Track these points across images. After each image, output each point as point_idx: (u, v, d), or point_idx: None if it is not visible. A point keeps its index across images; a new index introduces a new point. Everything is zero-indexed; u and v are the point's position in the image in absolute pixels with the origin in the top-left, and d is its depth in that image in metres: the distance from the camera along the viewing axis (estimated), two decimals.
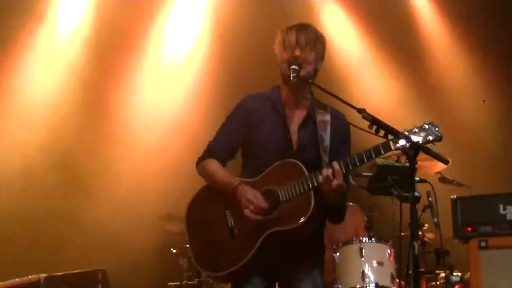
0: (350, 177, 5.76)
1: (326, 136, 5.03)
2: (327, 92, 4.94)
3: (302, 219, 4.75)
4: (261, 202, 4.86)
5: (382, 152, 4.72)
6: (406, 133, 4.71)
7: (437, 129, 4.73)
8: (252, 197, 4.87)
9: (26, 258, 9.40)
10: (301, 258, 4.98)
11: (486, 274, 6.76)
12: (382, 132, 4.66)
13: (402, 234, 7.35)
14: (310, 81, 4.99)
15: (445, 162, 4.92)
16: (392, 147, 4.67)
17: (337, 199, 4.88)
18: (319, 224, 5.05)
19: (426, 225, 7.88)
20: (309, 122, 5.05)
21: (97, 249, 9.49)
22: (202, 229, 5.14)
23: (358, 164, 4.75)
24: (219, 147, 5.16)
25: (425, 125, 4.74)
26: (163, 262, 8.69)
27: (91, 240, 9.67)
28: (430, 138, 4.70)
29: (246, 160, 5.17)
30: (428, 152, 4.58)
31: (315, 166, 4.83)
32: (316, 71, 5.03)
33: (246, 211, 4.85)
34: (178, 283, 8.25)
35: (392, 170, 6.19)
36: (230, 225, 4.95)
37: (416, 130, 4.72)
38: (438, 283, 7.99)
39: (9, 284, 7.03)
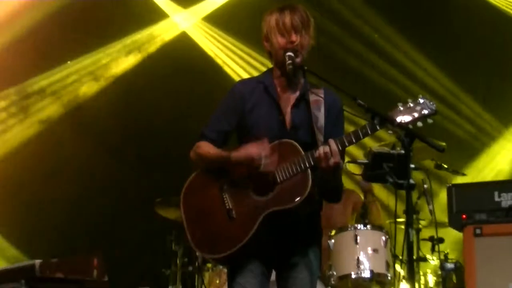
0: (347, 164, 5.82)
1: (320, 116, 5.04)
2: (320, 78, 4.98)
3: (300, 197, 4.75)
4: (265, 149, 4.82)
5: (378, 128, 4.70)
6: (401, 108, 4.74)
7: (431, 103, 4.76)
8: (254, 150, 4.84)
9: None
10: (297, 241, 4.96)
11: (481, 261, 6.74)
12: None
13: (397, 221, 7.20)
14: (306, 67, 5.00)
15: (440, 149, 4.82)
16: (386, 126, 4.67)
17: (334, 177, 4.91)
18: (317, 205, 5.05)
19: (421, 212, 7.92)
20: (302, 102, 5.07)
21: (92, 235, 9.58)
22: (199, 213, 5.13)
23: (354, 141, 4.74)
24: (211, 132, 5.15)
25: (420, 99, 4.74)
26: (158, 249, 8.57)
27: (86, 226, 9.77)
28: (426, 112, 4.73)
29: (242, 142, 5.12)
30: (422, 139, 4.58)
31: (309, 146, 4.84)
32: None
33: (262, 160, 4.79)
34: (174, 268, 8.19)
35: (387, 157, 6.13)
36: (227, 207, 4.92)
37: (411, 105, 4.74)
38: (432, 270, 8.04)
39: (5, 269, 6.76)
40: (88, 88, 10.93)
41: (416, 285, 6.51)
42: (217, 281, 7.55)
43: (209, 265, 7.67)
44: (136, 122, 11.06)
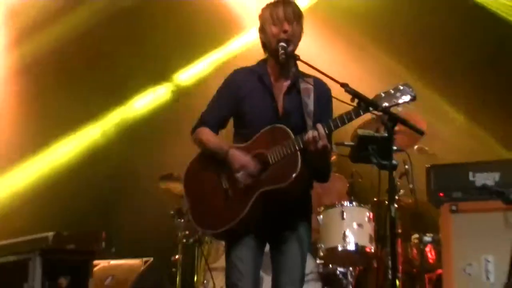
0: (334, 146, 6.09)
1: (310, 102, 5.11)
2: (311, 66, 4.97)
3: (291, 177, 4.82)
4: (251, 166, 4.95)
5: (361, 113, 4.79)
6: (383, 95, 4.85)
7: (411, 89, 4.85)
8: (244, 162, 4.97)
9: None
10: (289, 217, 5.08)
11: (456, 235, 6.99)
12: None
13: (380, 199, 7.64)
14: (297, 56, 5.04)
15: (420, 133, 4.95)
16: (370, 110, 4.75)
17: (322, 159, 5.01)
18: (307, 185, 5.17)
19: (402, 190, 7.93)
20: (293, 90, 5.14)
21: (98, 209, 9.61)
22: (199, 193, 5.20)
23: (339, 125, 4.83)
24: (210, 118, 5.25)
25: (399, 86, 4.85)
26: (161, 222, 8.70)
27: (95, 199, 9.76)
28: (406, 98, 4.83)
29: (238, 130, 5.24)
30: (404, 123, 4.65)
31: (300, 130, 4.91)
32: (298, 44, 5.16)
33: (238, 175, 4.94)
34: (176, 241, 8.12)
35: (372, 140, 6.04)
36: (224, 187, 5.02)
37: (392, 92, 4.84)
38: (412, 243, 8.04)
39: (20, 241, 7.12)
40: None
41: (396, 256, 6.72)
42: (216, 253, 7.70)
43: (207, 238, 7.76)
44: None
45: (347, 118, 4.82)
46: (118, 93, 10.54)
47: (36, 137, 10.12)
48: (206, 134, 5.19)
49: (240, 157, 5.00)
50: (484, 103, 9.67)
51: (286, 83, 5.17)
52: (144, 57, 10.25)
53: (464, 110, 10.08)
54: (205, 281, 7.66)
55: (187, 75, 10.91)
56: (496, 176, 7.10)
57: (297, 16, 5.11)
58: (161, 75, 10.78)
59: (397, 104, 4.83)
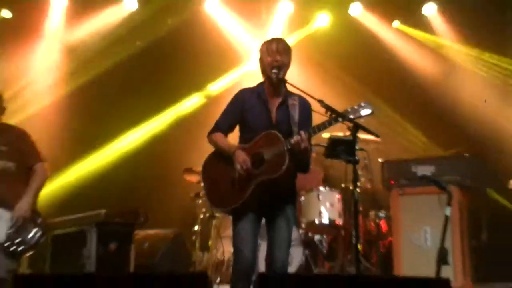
0: (313, 147, 6.05)
1: (295, 114, 5.10)
2: (296, 87, 5.07)
3: (281, 170, 4.86)
4: (248, 163, 4.95)
5: (333, 123, 4.85)
6: (350, 110, 4.92)
7: (370, 106, 4.94)
8: (242, 160, 4.97)
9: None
10: (280, 199, 5.08)
11: (403, 212, 7.14)
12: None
13: (347, 185, 7.63)
14: (286, 80, 5.06)
15: (377, 136, 5.02)
16: (339, 120, 4.84)
17: (304, 156, 5.02)
18: (292, 176, 5.15)
19: (363, 179, 7.92)
20: (283, 105, 5.12)
21: (139, 192, 9.41)
22: (213, 181, 5.21)
23: (317, 132, 4.91)
24: (222, 125, 5.23)
25: (362, 103, 4.93)
26: (184, 203, 8.53)
27: (135, 186, 9.57)
28: (367, 112, 4.91)
29: (242, 134, 5.21)
30: (363, 128, 4.82)
31: (288, 135, 4.93)
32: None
33: (238, 168, 4.95)
34: (196, 217, 8.08)
35: (340, 142, 6.10)
36: (231, 175, 5.02)
37: (356, 107, 4.92)
38: (370, 218, 8.03)
39: (80, 216, 7.15)
40: None
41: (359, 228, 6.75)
42: (225, 225, 7.72)
43: (218, 214, 7.70)
44: None
45: (322, 126, 4.88)
46: (165, 99, 10.40)
47: (102, 132, 9.96)
48: (219, 137, 5.20)
49: (242, 156, 4.99)
50: (424, 113, 9.60)
51: (278, 100, 5.16)
52: (184, 73, 10.20)
53: (410, 120, 9.82)
54: (216, 246, 7.68)
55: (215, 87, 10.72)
56: (432, 168, 7.17)
57: (286, 50, 5.11)
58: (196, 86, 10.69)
59: (360, 116, 4.89)
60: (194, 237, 8.13)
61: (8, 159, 5.90)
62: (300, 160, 5.08)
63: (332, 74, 9.82)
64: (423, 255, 6.72)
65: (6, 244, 5.67)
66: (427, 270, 5.94)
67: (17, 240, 5.75)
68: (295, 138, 4.89)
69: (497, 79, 9.73)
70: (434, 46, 10.19)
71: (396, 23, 10.25)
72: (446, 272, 5.62)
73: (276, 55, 5.05)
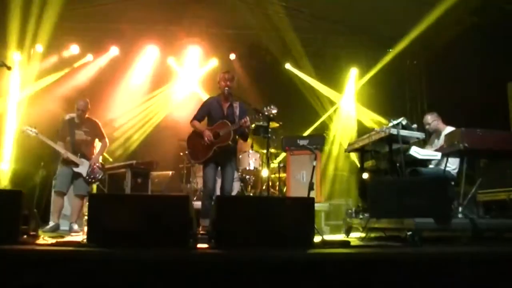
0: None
1: (237, 111, 5.00)
2: (237, 96, 5.07)
3: (229, 141, 4.88)
4: (211, 137, 4.90)
5: (257, 117, 4.81)
6: (265, 108, 4.78)
7: (275, 107, 4.80)
8: (207, 135, 4.89)
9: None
10: (228, 156, 5.04)
11: (292, 164, 6.94)
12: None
13: (263, 149, 7.19)
14: (231, 94, 5.00)
15: (279, 123, 5.12)
16: (260, 115, 4.77)
17: (247, 131, 5.01)
18: (235, 144, 5.08)
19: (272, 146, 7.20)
20: (230, 106, 5.04)
21: (154, 148, 8.53)
22: (192, 146, 5.09)
23: (254, 118, 4.84)
24: (198, 116, 5.10)
25: (272, 105, 4.83)
26: (177, 157, 7.81)
27: (151, 144, 8.71)
28: (275, 110, 4.81)
29: (208, 122, 5.10)
30: (272, 119, 4.78)
31: (233, 122, 4.90)
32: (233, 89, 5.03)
33: (206, 140, 4.86)
34: (183, 165, 7.62)
35: (261, 126, 5.96)
36: (202, 143, 4.94)
37: (268, 108, 4.80)
38: (275, 167, 7.28)
39: (121, 164, 6.88)
40: None
41: (269, 171, 6.07)
42: (198, 170, 7.19)
43: (195, 164, 7.13)
44: None
45: (253, 117, 4.88)
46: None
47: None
48: (196, 123, 5.10)
49: (207, 133, 4.93)
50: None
51: (227, 104, 5.10)
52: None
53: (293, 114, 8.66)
54: (194, 181, 7.32)
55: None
56: (307, 141, 7.03)
57: (232, 78, 5.06)
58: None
59: (271, 113, 4.82)
60: (183, 175, 7.73)
61: (88, 136, 6.01)
62: (243, 133, 5.03)
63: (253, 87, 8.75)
64: (301, 186, 6.61)
65: (86, 177, 5.85)
66: (303, 193, 5.84)
67: (91, 176, 5.87)
68: (244, 120, 4.83)
69: None
70: None
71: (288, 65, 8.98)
72: (312, 194, 5.56)
73: (227, 82, 5.01)
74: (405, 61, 8.75)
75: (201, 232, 4.66)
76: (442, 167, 4.83)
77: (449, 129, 5.33)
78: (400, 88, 8.80)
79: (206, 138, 4.95)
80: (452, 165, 5.11)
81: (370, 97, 8.59)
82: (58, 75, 8.31)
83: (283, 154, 7.58)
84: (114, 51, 8.75)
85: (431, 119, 5.58)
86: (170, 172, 7.72)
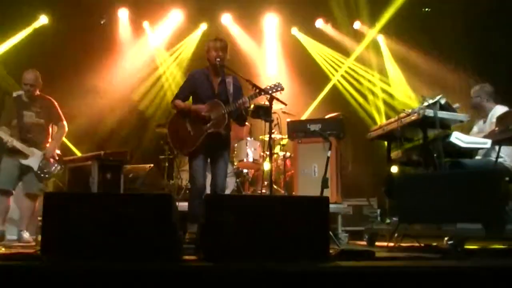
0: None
1: (230, 89, 5.06)
2: (231, 70, 5.07)
3: (223, 126, 4.95)
4: (203, 110, 4.96)
5: (257, 96, 4.90)
6: (269, 86, 4.93)
7: (281, 85, 4.96)
8: (201, 108, 4.95)
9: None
10: (220, 145, 5.10)
11: (300, 155, 7.01)
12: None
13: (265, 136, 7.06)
14: (224, 66, 5.04)
15: (285, 104, 5.08)
16: (262, 94, 4.87)
17: (244, 113, 5.10)
18: (228, 130, 5.16)
19: (275, 132, 7.44)
20: (222, 82, 5.08)
21: (127, 138, 8.83)
22: (175, 132, 5.16)
23: (253, 98, 4.95)
24: (181, 95, 5.16)
25: (276, 83, 4.97)
26: (157, 147, 7.97)
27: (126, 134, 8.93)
28: (279, 89, 4.94)
29: (195, 102, 5.14)
30: (277, 100, 4.87)
31: (225, 103, 4.94)
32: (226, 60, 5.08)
33: (203, 114, 4.89)
34: (164, 156, 7.71)
35: (261, 107, 6.32)
36: (188, 129, 5.02)
37: (272, 86, 4.94)
38: (279, 158, 7.63)
39: (86, 155, 6.97)
40: None
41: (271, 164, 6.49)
42: (183, 162, 7.34)
43: (179, 155, 7.28)
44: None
45: (254, 96, 4.94)
46: None
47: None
48: (178, 102, 5.14)
49: (199, 106, 5.01)
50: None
51: (219, 79, 5.14)
52: None
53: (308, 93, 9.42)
54: (178, 176, 7.40)
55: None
56: (319, 126, 7.08)
57: (225, 47, 5.08)
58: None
59: (275, 91, 4.93)
60: (164, 168, 7.81)
61: (41, 118, 5.97)
62: (240, 115, 5.10)
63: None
64: (312, 182, 6.61)
65: (38, 172, 5.83)
66: (315, 192, 5.84)
67: (45, 170, 5.85)
68: (241, 100, 4.93)
69: None
70: None
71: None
72: (326, 192, 5.53)
73: (219, 51, 5.03)
74: (445, 21, 8.76)
75: (187, 240, 4.73)
76: (493, 158, 4.78)
77: (499, 109, 5.27)
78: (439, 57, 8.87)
79: (202, 113, 4.98)
80: (507, 155, 5.05)
81: (401, 69, 8.85)
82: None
83: (288, 142, 7.66)
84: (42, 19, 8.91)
85: (476, 93, 5.47)
86: (148, 166, 7.80)
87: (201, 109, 5.02)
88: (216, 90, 5.12)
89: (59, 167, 5.95)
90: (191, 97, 5.28)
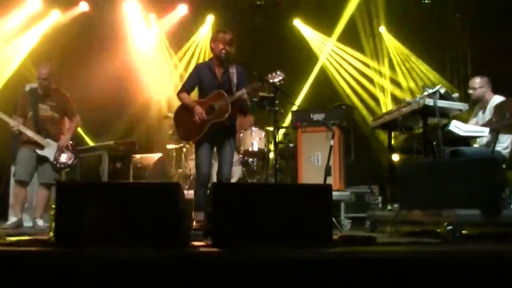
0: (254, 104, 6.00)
1: (234, 79, 4.99)
2: (236, 60, 5.04)
3: (226, 116, 4.91)
4: (203, 115, 4.95)
5: (260, 86, 4.92)
6: (270, 76, 4.89)
7: (282, 73, 4.92)
8: (199, 113, 4.95)
9: None
10: (225, 134, 5.08)
11: (304, 143, 7.08)
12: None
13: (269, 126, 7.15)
14: (232, 59, 5.03)
15: (287, 95, 5.12)
16: (267, 82, 4.88)
17: (245, 104, 5.04)
18: (233, 119, 5.14)
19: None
20: (226, 73, 5.03)
21: (137, 129, 8.88)
22: (181, 122, 5.16)
23: (250, 91, 4.93)
24: (187, 87, 5.16)
25: (278, 71, 4.92)
26: (165, 137, 7.81)
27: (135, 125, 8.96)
28: (281, 77, 4.91)
29: (200, 93, 5.16)
30: (280, 90, 4.96)
31: (229, 93, 4.90)
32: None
33: (196, 119, 4.93)
34: (172, 146, 7.62)
35: (266, 98, 6.19)
36: (193, 119, 5.00)
37: (274, 74, 4.90)
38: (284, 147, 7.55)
39: (96, 145, 7.02)
40: None
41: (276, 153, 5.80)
42: (190, 152, 7.24)
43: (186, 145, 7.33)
44: None
45: (253, 88, 4.94)
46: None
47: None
48: (184, 95, 5.15)
49: (199, 110, 4.98)
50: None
51: (222, 70, 5.10)
52: None
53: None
54: (186, 165, 7.37)
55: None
56: (322, 115, 7.13)
57: (232, 41, 5.07)
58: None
59: (279, 80, 4.93)
60: (171, 159, 7.78)
61: (55, 112, 6.00)
62: (242, 106, 5.09)
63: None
64: (316, 170, 6.68)
65: (54, 162, 5.86)
66: (318, 179, 5.99)
67: (60, 160, 5.89)
68: (240, 92, 4.90)
69: None
70: None
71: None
72: (329, 180, 5.70)
73: (226, 45, 5.02)
74: (444, 14, 8.82)
75: (195, 227, 4.73)
76: (490, 146, 4.77)
77: (498, 98, 5.27)
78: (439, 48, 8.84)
79: (197, 117, 5.00)
80: (503, 143, 5.06)
81: (402, 59, 8.78)
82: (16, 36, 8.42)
83: (293, 131, 7.64)
84: (83, 6, 8.95)
85: (479, 84, 5.45)
86: (156, 155, 7.79)
87: (202, 109, 5.03)
88: (220, 80, 5.11)
89: (73, 158, 5.96)
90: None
